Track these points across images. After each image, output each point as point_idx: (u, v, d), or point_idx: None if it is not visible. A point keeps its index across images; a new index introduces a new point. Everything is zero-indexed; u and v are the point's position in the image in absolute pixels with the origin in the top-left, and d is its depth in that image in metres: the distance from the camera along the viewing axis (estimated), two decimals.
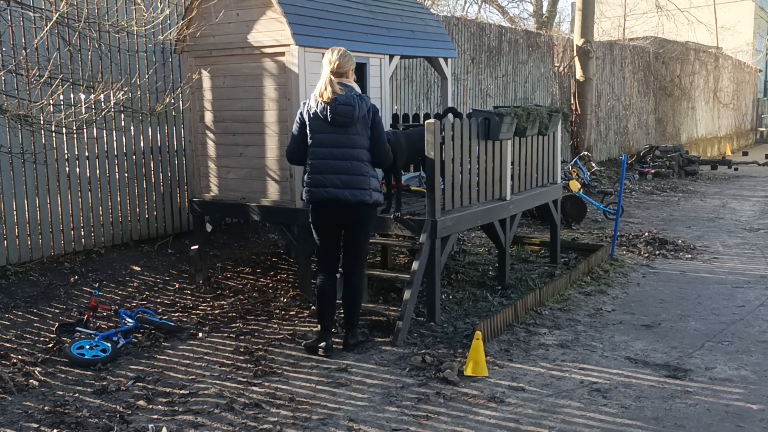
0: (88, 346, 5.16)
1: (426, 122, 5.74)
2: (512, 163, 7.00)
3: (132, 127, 7.53)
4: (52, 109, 4.30)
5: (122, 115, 7.01)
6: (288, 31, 6.06)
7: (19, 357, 5.12)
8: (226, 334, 5.71)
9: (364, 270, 5.44)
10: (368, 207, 5.16)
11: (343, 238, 5.28)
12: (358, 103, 4.99)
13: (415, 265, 5.67)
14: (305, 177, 5.21)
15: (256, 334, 5.72)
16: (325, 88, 5.00)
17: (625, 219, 11.04)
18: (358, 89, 5.08)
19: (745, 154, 25.39)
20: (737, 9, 33.54)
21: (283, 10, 6.06)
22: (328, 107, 4.98)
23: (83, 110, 5.14)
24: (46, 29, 4.71)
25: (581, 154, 14.83)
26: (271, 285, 7.04)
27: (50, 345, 5.38)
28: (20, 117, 3.83)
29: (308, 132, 5.13)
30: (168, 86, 7.63)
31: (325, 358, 5.17)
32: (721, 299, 6.79)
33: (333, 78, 5.00)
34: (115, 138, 7.36)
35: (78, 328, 5.48)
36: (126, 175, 7.53)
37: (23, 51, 6.12)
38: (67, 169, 6.97)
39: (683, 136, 23.23)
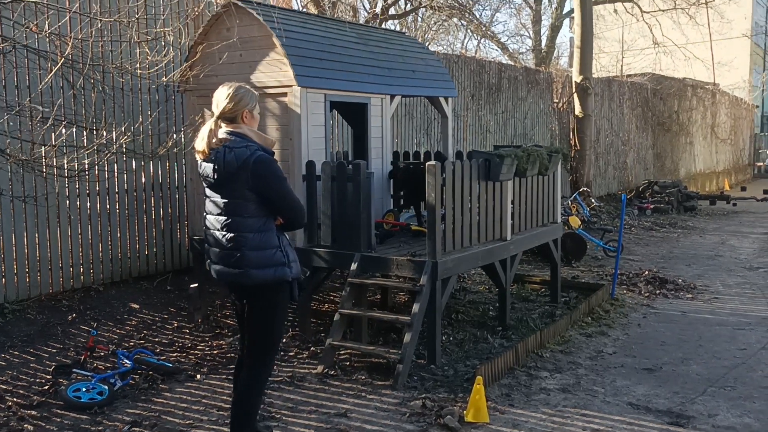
0: (84, 389, 5.10)
1: (427, 164, 5.76)
2: (512, 203, 7.01)
3: (133, 164, 7.54)
4: (55, 153, 4.31)
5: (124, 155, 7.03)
6: (290, 72, 6.11)
7: (15, 400, 5.06)
8: (224, 376, 5.66)
9: (262, 369, 4.04)
10: (254, 291, 3.94)
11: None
12: (226, 158, 3.79)
13: (415, 308, 5.64)
14: None
15: None
16: (200, 140, 3.89)
17: (625, 256, 11.03)
18: (255, 136, 3.93)
19: (743, 189, 25.46)
20: (733, 46, 33.92)
21: (286, 52, 6.12)
22: (202, 164, 3.93)
23: (86, 154, 5.16)
24: (51, 73, 4.74)
25: (580, 189, 14.87)
26: None
27: (46, 387, 5.32)
28: (23, 162, 3.83)
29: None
30: (170, 125, 7.67)
31: (324, 402, 5.11)
32: (723, 342, 6.74)
33: (215, 125, 3.90)
34: (116, 175, 7.37)
35: (75, 370, 5.42)
36: (126, 211, 7.53)
37: (29, 93, 6.14)
38: (68, 205, 6.97)
39: (682, 171, 23.32)
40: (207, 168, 3.88)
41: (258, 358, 4.02)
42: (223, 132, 3.88)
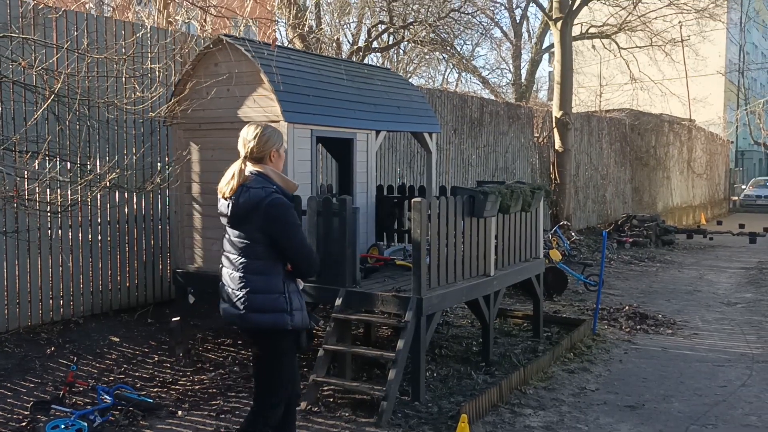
0: (63, 426, 5.00)
1: (413, 200, 5.80)
2: (496, 239, 7.07)
3: (117, 196, 7.51)
4: (41, 187, 4.30)
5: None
6: (278, 108, 6.16)
7: None
8: (206, 412, 5.59)
9: (262, 413, 4.00)
10: (254, 335, 3.96)
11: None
12: (241, 198, 3.80)
13: (400, 344, 5.63)
14: None
15: (236, 412, 5.60)
16: (228, 181, 3.86)
17: (605, 290, 11.11)
18: (277, 178, 3.91)
19: (720, 223, 25.86)
20: (708, 82, 34.74)
21: (273, 87, 6.18)
22: (223, 202, 3.93)
23: (70, 191, 5.14)
24: (40, 110, 4.75)
25: (561, 223, 15.02)
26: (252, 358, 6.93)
27: (24, 423, 5.22)
28: (11, 198, 3.82)
29: None
30: (156, 158, 7.66)
31: None
32: (703, 378, 6.81)
33: (244, 165, 3.87)
34: (99, 208, 7.33)
35: (53, 406, 5.33)
36: (108, 242, 7.47)
37: (14, 127, 6.12)
38: (50, 236, 6.90)
39: (659, 204, 23.66)
40: (223, 206, 3.91)
41: (259, 402, 4.02)
42: (247, 171, 3.86)
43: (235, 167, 3.87)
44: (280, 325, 3.86)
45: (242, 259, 3.87)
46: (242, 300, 3.86)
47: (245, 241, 3.85)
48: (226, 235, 3.97)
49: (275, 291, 3.86)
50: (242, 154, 3.90)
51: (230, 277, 3.93)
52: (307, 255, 3.93)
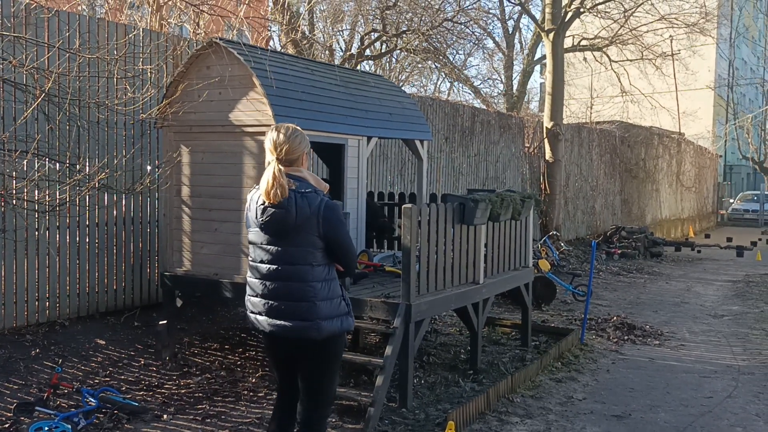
0: (47, 428, 4.95)
1: (403, 207, 5.80)
2: (486, 247, 7.08)
3: (106, 198, 7.47)
4: (29, 186, 4.26)
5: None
6: (269, 112, 6.15)
7: None
8: (191, 417, 5.55)
9: (326, 423, 3.97)
10: (319, 344, 3.77)
11: (299, 371, 3.93)
12: (298, 203, 3.65)
13: (388, 350, 5.62)
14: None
15: (222, 417, 5.57)
16: (272, 186, 3.64)
17: (594, 301, 11.14)
18: (313, 180, 3.81)
19: (708, 236, 26.03)
20: (698, 97, 35.02)
21: (266, 91, 6.17)
22: (258, 211, 3.72)
23: (58, 190, 5.10)
24: (31, 109, 4.72)
25: (550, 233, 15.06)
26: (239, 363, 6.90)
27: (7, 425, 5.16)
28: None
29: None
30: (146, 160, 7.63)
31: None
32: (690, 389, 6.82)
33: (281, 168, 3.68)
34: (87, 208, 7.28)
35: (37, 408, 5.28)
36: (96, 244, 7.42)
37: (3, 126, 6.08)
38: (37, 237, 6.85)
39: (648, 217, 23.78)
40: (276, 214, 3.65)
41: (319, 414, 3.88)
42: (285, 178, 3.66)
43: (271, 172, 3.64)
44: (345, 329, 3.81)
45: (301, 268, 3.69)
46: (309, 310, 3.69)
47: (305, 249, 3.68)
48: (267, 247, 3.72)
49: (336, 296, 3.79)
50: (273, 156, 3.69)
51: (281, 289, 3.72)
52: (354, 253, 3.89)
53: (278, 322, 3.75)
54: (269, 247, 3.73)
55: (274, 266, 3.72)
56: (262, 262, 3.77)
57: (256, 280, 3.80)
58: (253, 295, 3.84)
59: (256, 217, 3.73)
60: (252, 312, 3.87)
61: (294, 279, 3.69)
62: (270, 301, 3.76)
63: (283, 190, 3.62)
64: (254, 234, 3.79)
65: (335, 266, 3.84)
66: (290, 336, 3.75)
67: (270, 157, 3.71)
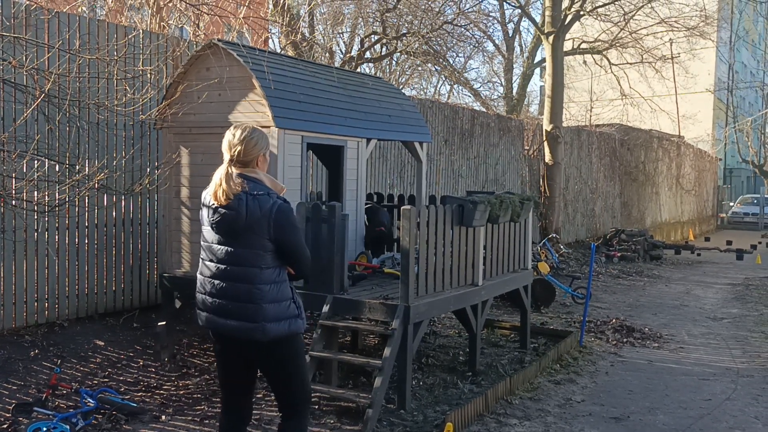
0: (45, 428, 4.95)
1: (402, 209, 5.81)
2: (485, 249, 7.08)
3: (105, 199, 7.47)
4: (29, 187, 4.27)
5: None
6: (269, 114, 6.16)
7: None
8: (190, 418, 5.55)
9: (306, 422, 3.94)
10: (266, 345, 3.70)
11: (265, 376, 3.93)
12: (249, 205, 3.60)
13: (387, 351, 5.62)
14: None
15: None
16: (218, 186, 3.64)
17: (593, 303, 11.15)
18: (268, 182, 3.74)
19: (707, 239, 26.02)
20: (697, 100, 35.05)
21: (265, 93, 6.18)
22: (210, 210, 3.71)
23: (57, 191, 5.10)
24: (30, 109, 4.73)
25: (550, 236, 15.07)
26: None
27: (5, 426, 5.16)
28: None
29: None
30: (146, 161, 7.64)
31: None
32: (689, 392, 6.82)
33: (232, 169, 3.66)
34: (87, 210, 7.29)
35: (36, 408, 5.27)
36: (96, 245, 7.43)
37: (3, 127, 6.09)
38: (36, 238, 6.85)
39: (648, 220, 23.79)
40: (213, 215, 3.65)
41: (293, 416, 3.86)
42: (236, 176, 3.64)
43: (221, 172, 3.66)
44: (294, 331, 3.76)
45: (249, 270, 3.64)
46: (255, 312, 3.64)
47: (254, 251, 3.63)
48: (217, 247, 3.70)
49: (286, 298, 3.74)
50: (227, 157, 3.68)
51: (228, 290, 3.68)
52: (308, 256, 3.83)
53: (224, 321, 3.72)
54: (220, 246, 3.71)
55: (223, 266, 3.70)
56: (211, 261, 3.74)
57: (206, 278, 3.78)
58: (201, 293, 3.81)
59: (208, 216, 3.72)
60: (199, 309, 3.83)
61: (242, 280, 3.66)
62: (217, 300, 3.73)
63: (228, 192, 3.60)
64: (206, 232, 3.77)
65: (287, 269, 3.80)
66: (235, 336, 3.70)
67: (226, 156, 3.70)
